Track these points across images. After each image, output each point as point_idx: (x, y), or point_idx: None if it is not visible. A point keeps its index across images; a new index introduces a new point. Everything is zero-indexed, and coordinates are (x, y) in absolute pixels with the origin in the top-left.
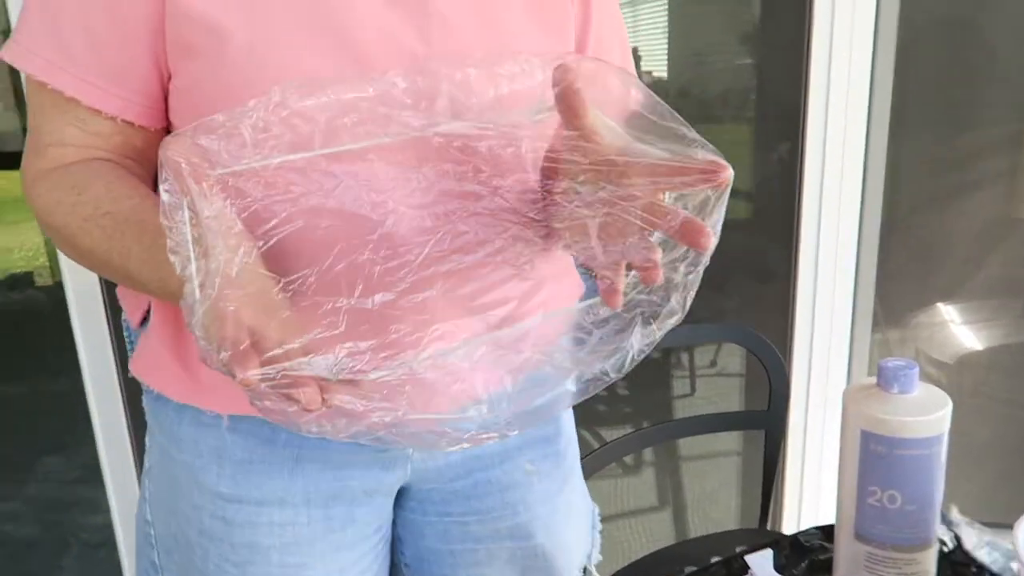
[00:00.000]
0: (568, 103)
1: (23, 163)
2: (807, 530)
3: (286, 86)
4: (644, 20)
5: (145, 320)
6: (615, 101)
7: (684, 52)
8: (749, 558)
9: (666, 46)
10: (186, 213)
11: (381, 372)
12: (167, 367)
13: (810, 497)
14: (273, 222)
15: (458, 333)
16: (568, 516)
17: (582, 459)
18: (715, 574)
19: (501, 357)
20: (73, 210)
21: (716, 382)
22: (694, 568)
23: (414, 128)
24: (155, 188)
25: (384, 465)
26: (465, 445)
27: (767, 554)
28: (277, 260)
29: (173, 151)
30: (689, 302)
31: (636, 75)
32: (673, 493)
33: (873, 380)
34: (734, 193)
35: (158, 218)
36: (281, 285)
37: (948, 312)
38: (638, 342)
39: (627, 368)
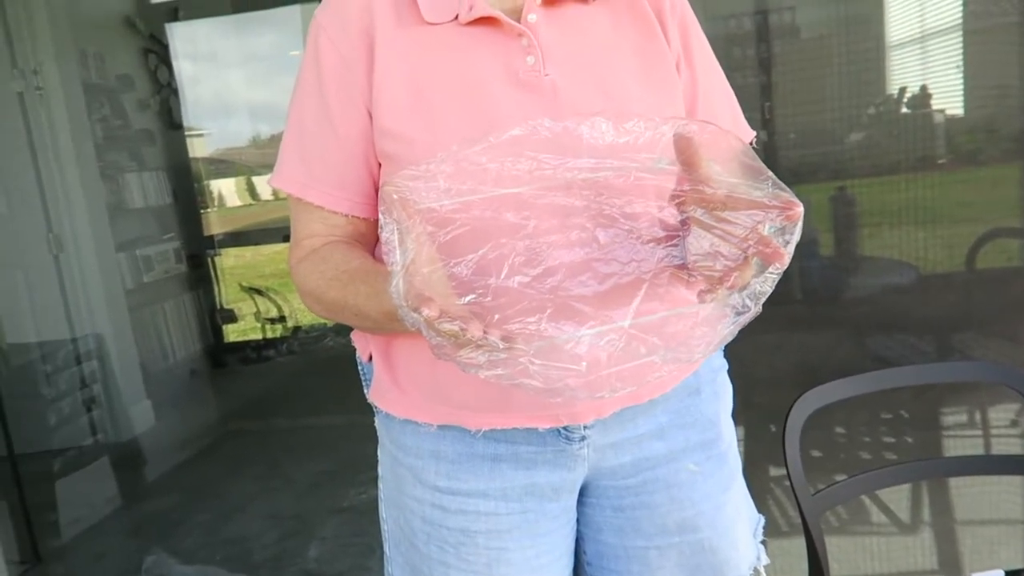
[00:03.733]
0: (687, 156)
1: (289, 255)
2: None
3: (464, 142)
4: (935, 58)
5: (372, 358)
6: (722, 153)
7: (983, 87)
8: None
9: (962, 82)
10: (394, 227)
11: (521, 326)
12: (390, 392)
13: None
14: (448, 228)
15: (571, 316)
16: (735, 515)
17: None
18: None
19: (628, 345)
20: (322, 275)
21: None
22: None
23: (556, 171)
24: (373, 253)
25: (565, 465)
26: (583, 397)
27: (997, 574)
28: (451, 251)
29: (388, 189)
30: (759, 307)
31: (746, 125)
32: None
33: None
34: None
35: (374, 267)
36: (451, 264)
37: None
38: (727, 329)
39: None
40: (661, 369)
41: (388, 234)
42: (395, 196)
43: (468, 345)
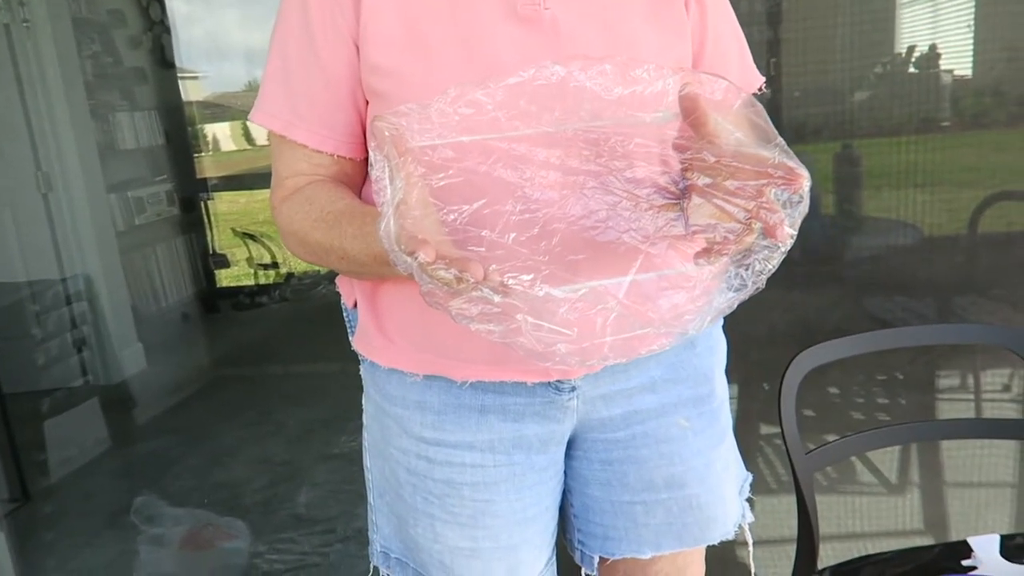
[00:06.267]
0: (693, 114)
1: (270, 195)
2: None
3: (462, 85)
4: (946, 17)
5: (356, 304)
6: (729, 109)
7: (992, 48)
8: (973, 540)
9: (971, 43)
10: (384, 164)
11: (517, 282)
12: (374, 340)
13: None
14: (441, 174)
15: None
16: (724, 472)
17: (857, 433)
18: (939, 555)
19: (622, 316)
20: (306, 215)
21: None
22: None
23: (555, 122)
24: (360, 195)
25: (554, 417)
26: (573, 363)
27: (993, 539)
28: (443, 200)
29: (380, 124)
30: (762, 283)
31: (755, 69)
32: (930, 519)
33: None
34: None
35: (362, 207)
36: (445, 211)
37: None
38: (724, 304)
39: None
40: (653, 343)
41: (379, 172)
42: (387, 133)
43: (463, 294)
